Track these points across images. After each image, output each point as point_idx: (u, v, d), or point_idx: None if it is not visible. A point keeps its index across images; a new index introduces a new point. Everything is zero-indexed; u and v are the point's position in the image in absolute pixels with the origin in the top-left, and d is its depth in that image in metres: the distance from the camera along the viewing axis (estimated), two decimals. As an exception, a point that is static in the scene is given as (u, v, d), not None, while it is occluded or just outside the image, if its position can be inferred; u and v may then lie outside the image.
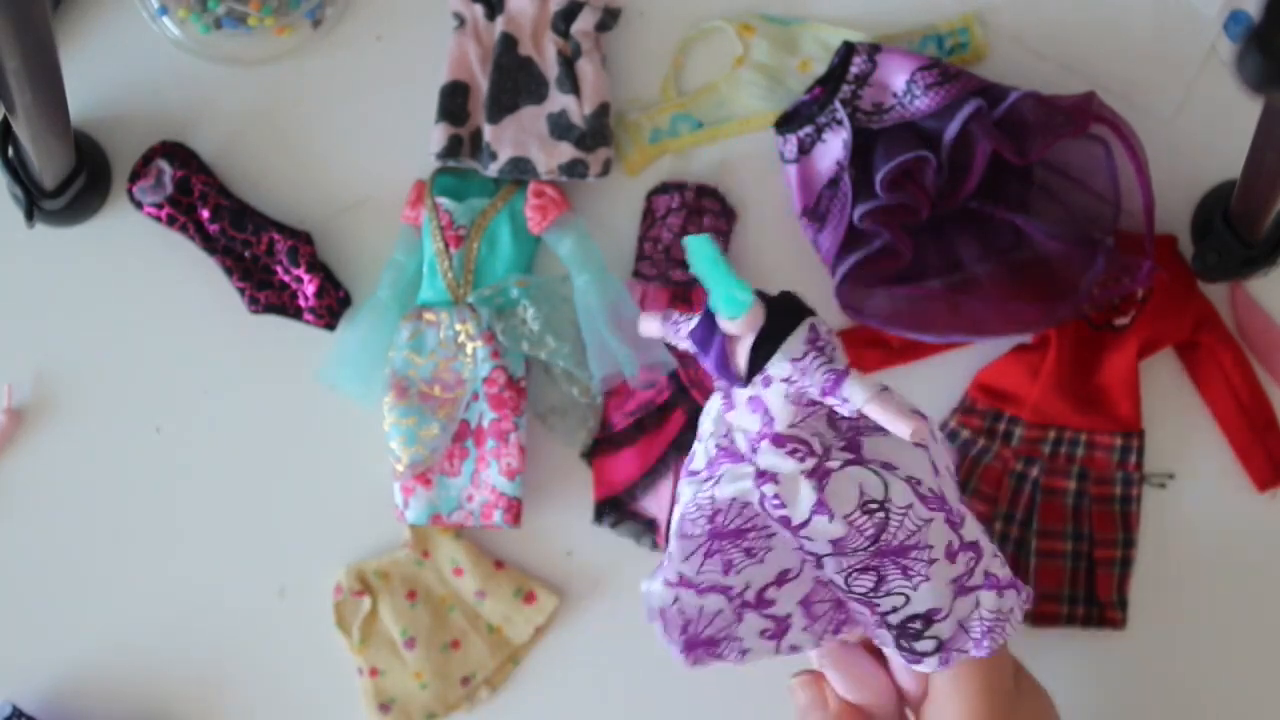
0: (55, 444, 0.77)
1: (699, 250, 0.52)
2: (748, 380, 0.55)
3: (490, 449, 0.74)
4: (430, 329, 0.74)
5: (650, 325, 0.60)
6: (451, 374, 0.74)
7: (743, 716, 0.74)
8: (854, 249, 0.70)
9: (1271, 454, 0.74)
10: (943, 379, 0.76)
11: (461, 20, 0.76)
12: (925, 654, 0.59)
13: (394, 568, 0.76)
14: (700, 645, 0.59)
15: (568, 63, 0.75)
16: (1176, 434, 0.75)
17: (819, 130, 0.73)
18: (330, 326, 0.76)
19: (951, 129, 0.70)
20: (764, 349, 0.54)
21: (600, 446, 0.76)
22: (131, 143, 0.77)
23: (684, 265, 0.76)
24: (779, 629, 0.59)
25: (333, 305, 0.76)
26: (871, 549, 0.56)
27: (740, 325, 0.54)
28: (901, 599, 0.57)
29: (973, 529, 0.58)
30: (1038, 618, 0.74)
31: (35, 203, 0.74)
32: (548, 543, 0.76)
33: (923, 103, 0.71)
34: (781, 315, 0.54)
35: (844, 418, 0.57)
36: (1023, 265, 0.73)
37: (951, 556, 0.57)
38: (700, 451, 0.60)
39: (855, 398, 0.53)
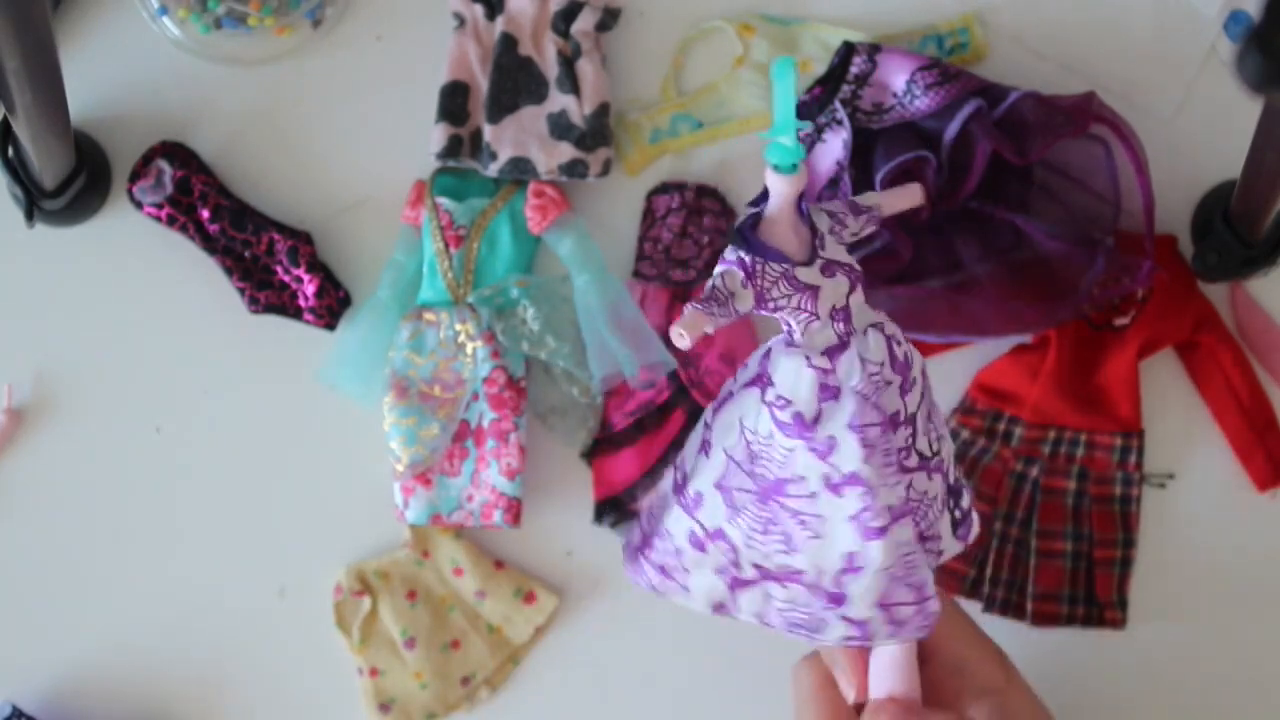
0: (55, 444, 0.77)
1: (784, 75, 0.52)
2: (814, 237, 0.56)
3: (490, 449, 0.74)
4: (430, 329, 0.74)
5: (694, 326, 0.54)
6: (451, 374, 0.74)
7: (742, 716, 0.74)
8: (854, 249, 0.70)
9: (1271, 454, 0.74)
10: (943, 379, 0.76)
11: (461, 20, 0.76)
12: (969, 510, 0.62)
13: (394, 568, 0.76)
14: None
15: (568, 63, 0.75)
16: (1176, 434, 0.75)
17: (819, 130, 0.72)
18: (330, 326, 0.76)
19: (951, 129, 0.70)
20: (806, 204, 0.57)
21: (600, 446, 0.76)
22: (131, 143, 0.77)
23: (684, 265, 0.76)
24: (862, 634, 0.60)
25: (333, 305, 0.76)
26: (925, 388, 0.59)
27: (797, 180, 0.54)
28: (948, 441, 0.61)
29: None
30: (1037, 617, 0.74)
31: (35, 203, 0.74)
32: (548, 543, 0.76)
33: (923, 103, 0.71)
34: None
35: None
36: (1023, 265, 0.73)
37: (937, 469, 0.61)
38: (803, 402, 0.56)
39: (872, 199, 0.61)
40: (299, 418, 0.77)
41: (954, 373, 0.76)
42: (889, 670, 0.61)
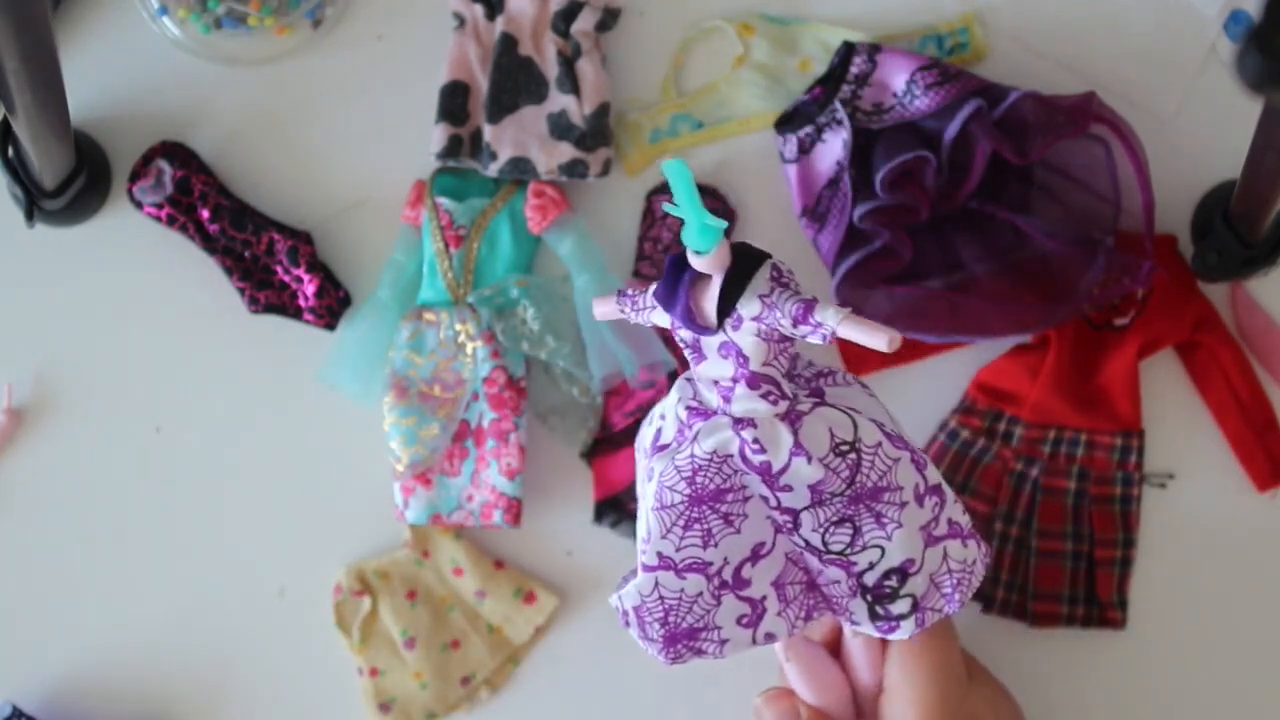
0: (55, 444, 0.77)
1: (678, 175, 0.53)
2: (720, 322, 0.56)
3: (490, 449, 0.74)
4: (430, 329, 0.74)
5: (605, 308, 0.61)
6: (451, 374, 0.74)
7: (742, 717, 0.74)
8: (854, 249, 0.70)
9: (1271, 454, 0.74)
10: (943, 379, 0.76)
11: (461, 20, 0.76)
12: (901, 616, 0.60)
13: (394, 568, 0.76)
14: (681, 638, 0.59)
15: (568, 63, 0.75)
16: (1176, 434, 0.75)
17: (819, 130, 0.73)
18: (330, 326, 0.76)
19: (951, 129, 0.70)
20: (735, 285, 0.56)
21: (600, 446, 0.76)
22: (131, 143, 0.77)
23: (684, 265, 0.76)
24: (755, 614, 0.60)
25: (333, 305, 0.76)
26: (847, 493, 0.57)
27: (710, 261, 0.55)
28: (878, 552, 0.59)
29: (934, 474, 0.60)
30: (1038, 618, 0.74)
31: (35, 203, 0.74)
32: (548, 543, 0.76)
33: (923, 103, 0.71)
34: (745, 255, 0.57)
35: (801, 374, 0.60)
36: (1023, 265, 0.73)
37: (920, 500, 0.59)
38: (668, 425, 0.60)
39: (829, 320, 0.54)
40: (299, 418, 0.77)
41: (954, 373, 0.76)
42: (814, 679, 0.64)
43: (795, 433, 0.56)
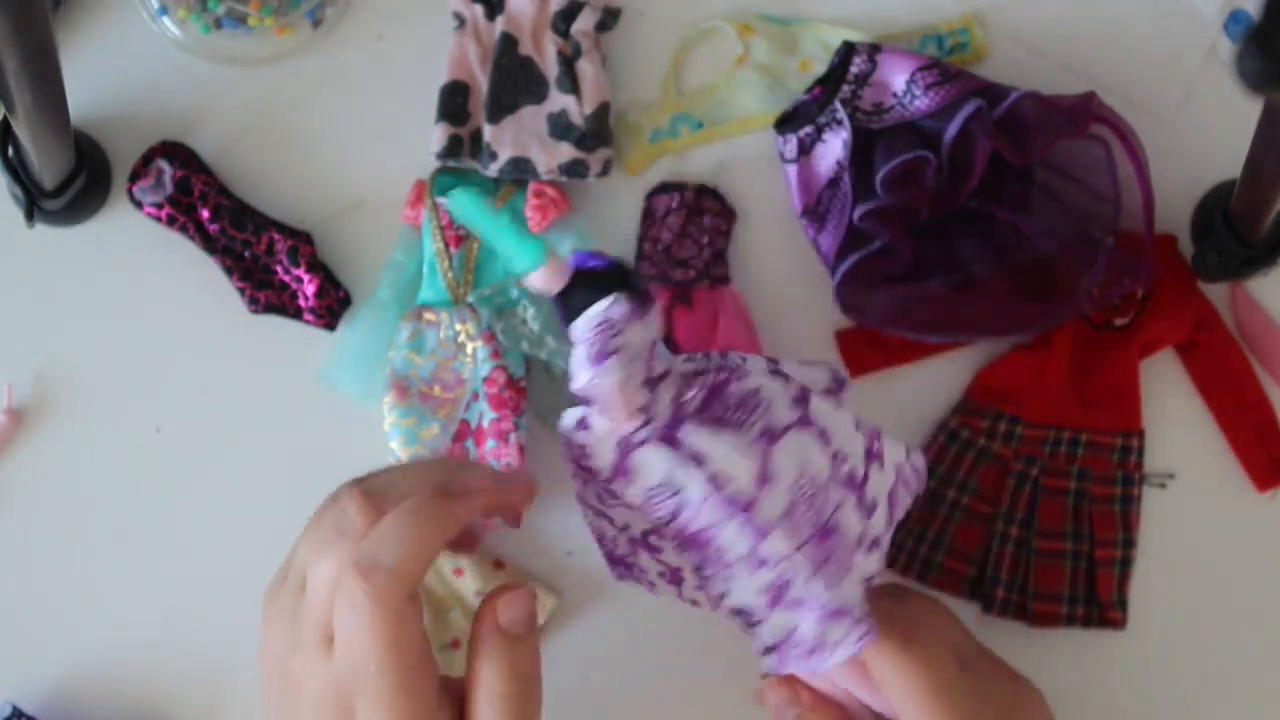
0: (55, 444, 0.77)
1: (466, 207, 0.54)
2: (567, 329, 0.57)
3: (490, 449, 0.74)
4: (430, 329, 0.74)
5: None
6: (451, 374, 0.74)
7: (742, 717, 0.74)
8: (854, 249, 0.70)
9: (1271, 454, 0.74)
10: (943, 379, 0.76)
11: (461, 20, 0.76)
12: (766, 649, 0.59)
13: (394, 568, 0.76)
14: (618, 562, 0.62)
15: (568, 63, 0.75)
16: (1176, 434, 0.75)
17: (819, 130, 0.73)
18: (330, 326, 0.76)
19: (951, 129, 0.70)
20: (569, 310, 0.56)
21: (600, 447, 0.76)
22: (131, 143, 0.77)
23: (684, 265, 0.76)
24: (674, 577, 0.61)
25: (333, 305, 0.76)
26: (670, 528, 0.57)
27: (545, 277, 0.55)
28: (725, 585, 0.58)
29: (792, 539, 0.56)
30: (1038, 617, 0.74)
31: (35, 203, 0.74)
32: (548, 543, 0.76)
33: (923, 103, 0.71)
34: (585, 286, 0.56)
35: (690, 392, 0.58)
36: (1023, 265, 0.73)
37: (756, 565, 0.56)
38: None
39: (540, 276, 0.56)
40: (299, 418, 0.77)
41: (954, 373, 0.76)
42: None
43: (624, 458, 0.57)
